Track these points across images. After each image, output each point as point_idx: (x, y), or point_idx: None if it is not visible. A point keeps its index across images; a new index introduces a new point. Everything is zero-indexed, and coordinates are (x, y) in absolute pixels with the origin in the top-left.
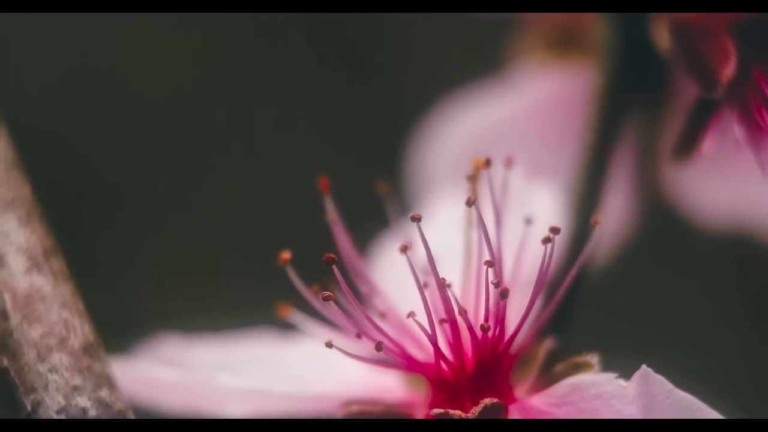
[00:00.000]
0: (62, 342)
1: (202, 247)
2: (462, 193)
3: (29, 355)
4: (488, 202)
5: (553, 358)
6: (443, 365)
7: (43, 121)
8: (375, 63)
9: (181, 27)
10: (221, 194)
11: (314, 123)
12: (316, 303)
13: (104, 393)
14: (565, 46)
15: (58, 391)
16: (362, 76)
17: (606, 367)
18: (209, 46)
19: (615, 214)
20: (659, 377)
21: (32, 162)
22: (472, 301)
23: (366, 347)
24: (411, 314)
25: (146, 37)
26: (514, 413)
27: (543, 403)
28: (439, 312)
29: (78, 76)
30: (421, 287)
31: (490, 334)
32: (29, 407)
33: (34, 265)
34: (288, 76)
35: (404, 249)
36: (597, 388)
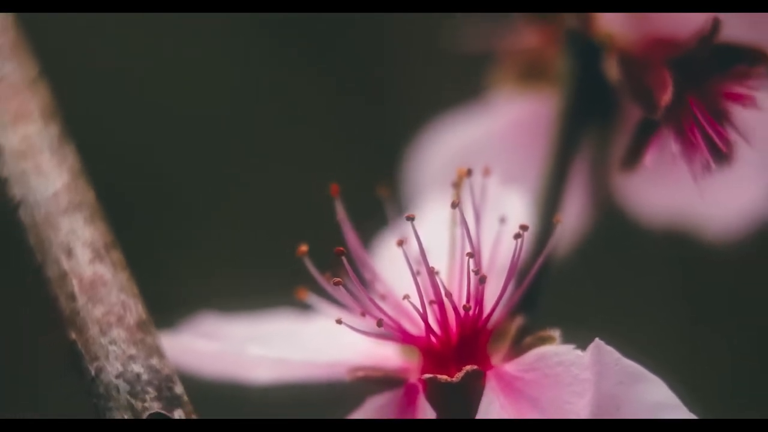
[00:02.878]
0: (120, 319)
1: (235, 242)
2: (448, 197)
3: (93, 330)
4: (469, 204)
5: (522, 333)
6: (432, 338)
7: (102, 140)
8: (379, 92)
9: (212, 51)
10: (252, 198)
11: (327, 139)
12: (328, 287)
13: (154, 361)
14: (533, 77)
15: (116, 359)
16: (368, 102)
17: (566, 340)
18: (235, 71)
19: (573, 214)
20: (609, 348)
21: (94, 172)
22: (456, 286)
23: (369, 324)
24: (406, 297)
25: (186, 65)
26: (491, 378)
27: (514, 370)
28: (429, 295)
29: (124, 104)
30: (415, 274)
31: (471, 312)
32: (93, 373)
33: (96, 257)
34: (306, 99)
35: (400, 243)
36: (559, 357)
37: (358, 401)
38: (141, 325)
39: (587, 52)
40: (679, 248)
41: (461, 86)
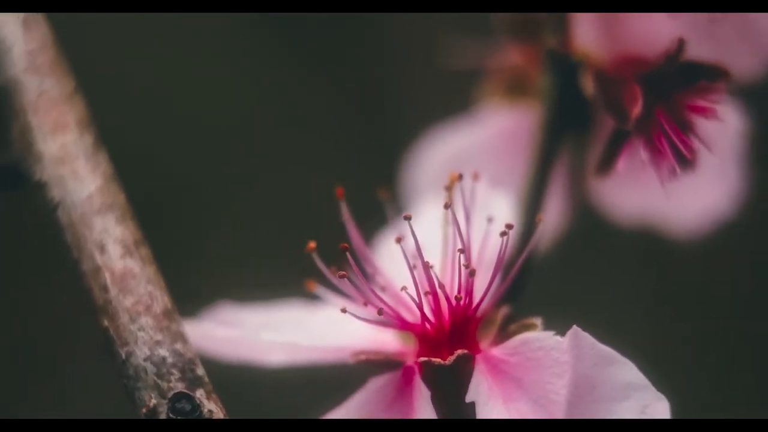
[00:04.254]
0: (148, 308)
1: (251, 240)
2: (441, 199)
3: (123, 318)
4: (460, 205)
5: (507, 321)
6: (427, 325)
7: (131, 148)
8: (380, 104)
9: (230, 67)
10: (266, 201)
11: (334, 148)
12: (334, 280)
13: (178, 346)
14: (517, 92)
15: (144, 344)
16: (370, 113)
17: (546, 327)
18: (255, 88)
19: (553, 214)
20: (586, 334)
21: (125, 177)
22: (449, 279)
23: (371, 312)
24: (404, 288)
25: (208, 83)
26: (480, 361)
27: (500, 353)
28: (424, 286)
29: (152, 116)
30: (411, 268)
31: (462, 302)
32: (123, 356)
33: (127, 252)
34: (317, 114)
35: (399, 240)
36: (540, 342)
37: (360, 382)
38: (166, 314)
39: (566, 69)
40: (647, 245)
41: (453, 100)
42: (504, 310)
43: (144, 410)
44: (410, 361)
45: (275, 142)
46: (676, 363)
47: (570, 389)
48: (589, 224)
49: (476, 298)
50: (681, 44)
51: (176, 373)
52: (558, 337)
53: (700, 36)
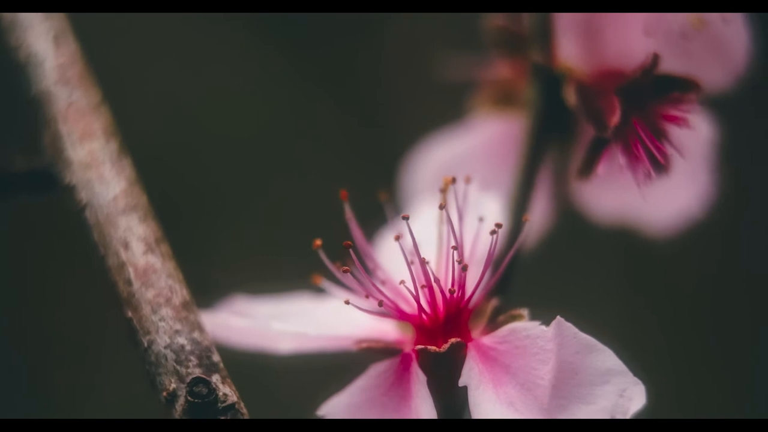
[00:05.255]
0: (168, 300)
1: (262, 238)
2: (436, 201)
3: (146, 310)
4: (454, 206)
5: (497, 312)
6: (423, 316)
7: (153, 154)
8: (381, 115)
9: (246, 84)
10: (276, 202)
11: (338, 154)
12: (339, 274)
13: (196, 334)
14: (506, 102)
15: (165, 333)
16: (371, 124)
17: (532, 317)
18: (265, 100)
19: (539, 214)
20: (568, 324)
21: (147, 180)
22: (443, 273)
23: (372, 304)
24: (402, 282)
25: (224, 92)
26: (471, 348)
27: (490, 342)
28: (421, 280)
29: (172, 124)
30: (409, 264)
31: (455, 295)
32: (145, 344)
33: (149, 249)
34: (322, 124)
35: (397, 238)
36: (527, 331)
37: (362, 368)
38: (185, 305)
39: (550, 82)
40: (625, 242)
41: (447, 110)
42: (493, 302)
43: (164, 394)
44: (408, 348)
45: (285, 151)
46: (649, 348)
47: (554, 374)
48: (571, 223)
49: (468, 291)
50: (655, 59)
51: (194, 360)
52: (543, 327)
53: (673, 51)
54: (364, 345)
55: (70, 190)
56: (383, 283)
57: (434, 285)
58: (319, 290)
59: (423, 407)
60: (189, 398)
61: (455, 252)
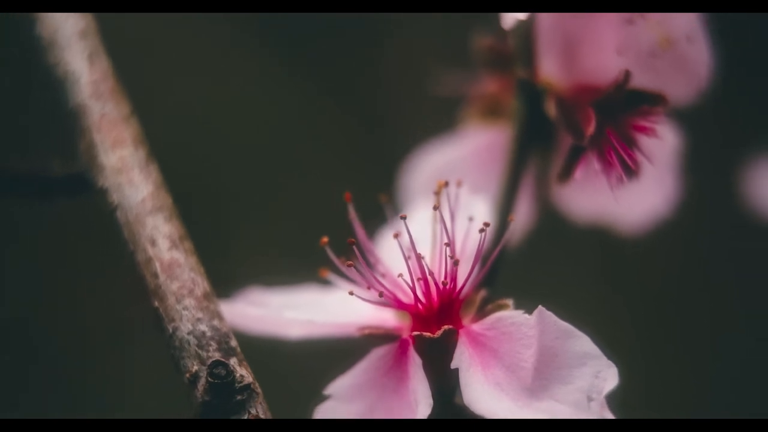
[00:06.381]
0: (190, 292)
1: (275, 236)
2: (431, 202)
3: (170, 300)
4: (446, 207)
5: (485, 302)
6: (419, 305)
7: (177, 160)
8: (381, 125)
9: (257, 94)
10: (287, 203)
11: (343, 160)
12: (343, 268)
13: (216, 322)
14: (493, 114)
15: (188, 321)
16: (373, 133)
17: (517, 307)
18: (276, 108)
19: (522, 214)
20: (549, 312)
21: (172, 184)
22: (437, 267)
23: (373, 295)
24: (400, 275)
25: (239, 103)
26: (462, 335)
27: (479, 329)
28: (417, 273)
29: (194, 133)
30: (406, 259)
31: (447, 287)
32: (170, 331)
33: (173, 246)
34: (329, 132)
35: (396, 236)
36: (512, 319)
37: (365, 351)
38: (206, 296)
39: (533, 96)
40: (600, 239)
41: (441, 121)
42: (482, 293)
43: (187, 375)
44: (405, 334)
45: (295, 156)
46: (621, 335)
47: (536, 357)
48: (552, 222)
49: (459, 283)
50: (627, 75)
51: (214, 345)
52: (526, 315)
53: (642, 69)
54: (366, 331)
55: (102, 193)
56: (383, 276)
57: (429, 278)
58: (326, 282)
59: (419, 387)
60: (209, 379)
61: (448, 248)
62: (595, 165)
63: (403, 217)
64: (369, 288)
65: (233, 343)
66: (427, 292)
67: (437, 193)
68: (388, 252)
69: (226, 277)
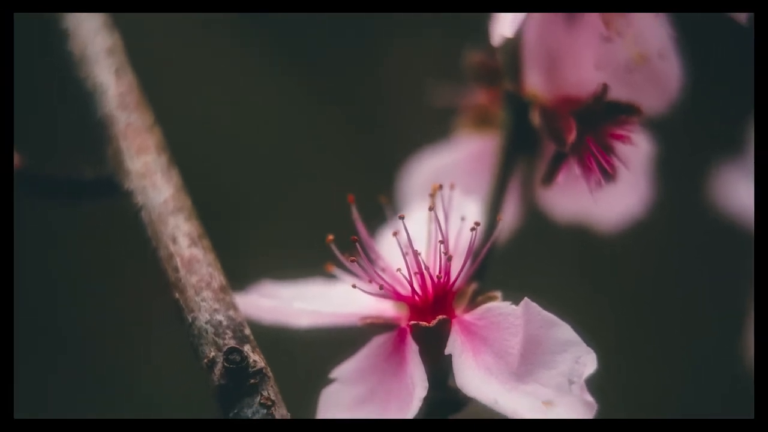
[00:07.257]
0: (208, 285)
1: (285, 234)
2: (426, 203)
3: (190, 292)
4: (441, 208)
5: (476, 294)
6: (416, 297)
7: (196, 165)
8: (381, 133)
9: (266, 103)
10: (296, 204)
11: (347, 165)
12: (347, 263)
13: (231, 312)
14: (483, 124)
15: (206, 311)
16: (373, 140)
17: (505, 298)
18: (283, 116)
19: (510, 214)
20: (534, 304)
21: (191, 186)
22: (432, 262)
23: (374, 288)
24: (398, 269)
25: (251, 111)
26: (455, 324)
27: (471, 318)
28: (414, 268)
29: (211, 140)
30: (404, 255)
31: (442, 280)
32: (190, 320)
33: (192, 243)
34: (333, 138)
35: (395, 234)
36: (500, 310)
37: (366, 339)
38: (222, 289)
39: (519, 107)
40: (580, 238)
41: (436, 129)
42: (473, 286)
43: (205, 360)
44: (403, 323)
45: (302, 161)
46: (600, 324)
47: (522, 345)
48: (536, 222)
49: (452, 277)
50: (605, 88)
51: (229, 333)
52: (513, 306)
53: (619, 82)
54: (368, 321)
55: (128, 195)
56: (383, 270)
57: (425, 272)
58: (331, 276)
59: (416, 371)
60: (225, 364)
61: (442, 245)
62: (576, 170)
63: (402, 217)
64: (370, 281)
65: (247, 331)
66: (423, 285)
67: (432, 195)
68: (388, 249)
69: (240, 271)
